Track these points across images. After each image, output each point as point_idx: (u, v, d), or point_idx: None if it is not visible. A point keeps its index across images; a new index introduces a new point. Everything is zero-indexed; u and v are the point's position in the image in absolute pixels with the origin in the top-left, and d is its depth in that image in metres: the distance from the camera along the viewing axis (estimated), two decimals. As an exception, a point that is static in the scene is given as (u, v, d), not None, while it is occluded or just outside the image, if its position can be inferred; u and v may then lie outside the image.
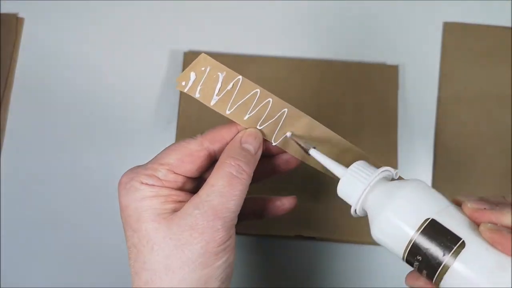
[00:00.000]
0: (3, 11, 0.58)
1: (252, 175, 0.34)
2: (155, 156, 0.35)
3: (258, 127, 0.36)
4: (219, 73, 0.35)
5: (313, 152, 0.35)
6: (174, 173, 0.34)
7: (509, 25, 0.56)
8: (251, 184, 0.34)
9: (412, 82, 0.55)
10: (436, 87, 0.55)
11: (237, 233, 0.50)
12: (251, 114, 0.35)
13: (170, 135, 0.54)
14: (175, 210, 0.33)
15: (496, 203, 0.29)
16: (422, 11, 0.58)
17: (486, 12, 0.57)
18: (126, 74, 0.56)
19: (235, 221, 0.33)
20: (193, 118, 0.53)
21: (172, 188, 0.34)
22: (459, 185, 0.52)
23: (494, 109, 0.54)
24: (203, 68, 0.35)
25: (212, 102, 0.35)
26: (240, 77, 0.35)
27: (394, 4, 0.58)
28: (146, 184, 0.33)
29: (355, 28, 0.57)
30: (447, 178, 0.52)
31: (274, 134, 0.36)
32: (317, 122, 0.36)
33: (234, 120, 0.36)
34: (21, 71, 0.57)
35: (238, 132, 0.35)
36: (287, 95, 0.54)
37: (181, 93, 0.54)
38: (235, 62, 0.55)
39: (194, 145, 0.35)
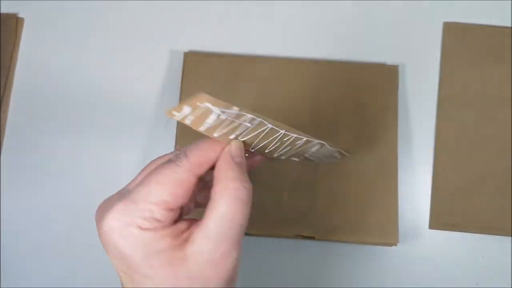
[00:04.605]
0: (3, 11, 0.58)
1: None
2: (140, 185, 0.31)
3: (241, 139, 0.34)
4: (216, 107, 0.30)
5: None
6: (172, 209, 0.31)
7: (509, 25, 0.56)
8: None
9: (412, 82, 0.55)
10: (436, 87, 0.55)
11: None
12: (236, 134, 0.33)
13: (170, 135, 0.54)
14: (185, 242, 0.31)
15: None
16: (422, 11, 0.58)
17: (486, 12, 0.57)
18: (126, 74, 0.56)
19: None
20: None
21: (173, 224, 0.31)
22: (459, 185, 0.52)
23: (494, 109, 0.54)
24: (199, 104, 0.30)
25: (202, 128, 0.32)
26: (237, 108, 0.31)
27: (394, 4, 0.58)
28: (147, 229, 0.30)
29: (355, 28, 0.57)
30: (447, 178, 0.52)
31: (253, 144, 0.35)
32: (291, 129, 0.35)
33: (220, 140, 0.33)
34: (21, 71, 0.57)
35: (222, 150, 0.33)
36: (287, 96, 0.54)
37: (181, 92, 0.55)
38: (235, 62, 0.55)
39: (183, 174, 0.31)
